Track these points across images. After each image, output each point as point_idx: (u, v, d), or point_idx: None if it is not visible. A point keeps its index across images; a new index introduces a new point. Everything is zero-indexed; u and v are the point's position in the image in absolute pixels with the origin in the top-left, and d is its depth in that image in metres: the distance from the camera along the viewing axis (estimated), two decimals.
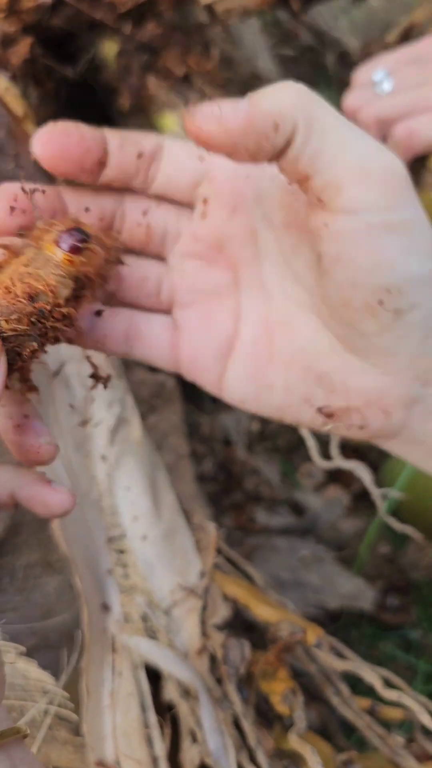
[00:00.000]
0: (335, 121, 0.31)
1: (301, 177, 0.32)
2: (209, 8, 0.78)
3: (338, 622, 0.70)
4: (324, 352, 0.35)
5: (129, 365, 0.66)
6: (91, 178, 0.37)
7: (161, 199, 0.38)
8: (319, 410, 0.35)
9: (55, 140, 0.36)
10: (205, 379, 0.38)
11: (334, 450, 0.60)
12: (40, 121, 0.72)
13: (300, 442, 0.90)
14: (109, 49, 0.77)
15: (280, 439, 0.87)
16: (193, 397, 0.84)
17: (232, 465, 0.85)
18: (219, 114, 0.30)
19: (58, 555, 0.56)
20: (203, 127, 0.30)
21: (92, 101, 0.85)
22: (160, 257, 0.39)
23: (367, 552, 0.72)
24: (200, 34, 0.77)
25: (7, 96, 0.66)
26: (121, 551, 0.50)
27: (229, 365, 0.37)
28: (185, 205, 0.38)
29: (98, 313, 0.37)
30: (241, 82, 0.90)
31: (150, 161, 0.36)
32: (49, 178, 0.64)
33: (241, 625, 0.51)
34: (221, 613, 0.48)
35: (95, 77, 0.80)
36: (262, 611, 0.48)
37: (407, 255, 0.32)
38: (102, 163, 0.36)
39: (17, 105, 0.66)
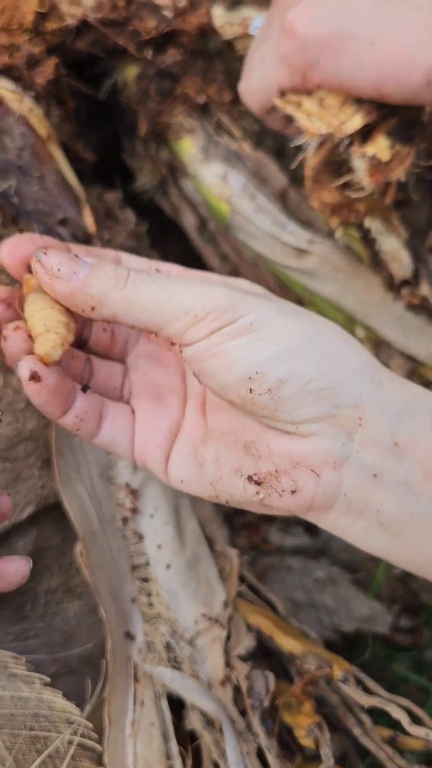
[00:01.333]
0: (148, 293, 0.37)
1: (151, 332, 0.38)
2: (229, 43, 0.79)
3: (351, 643, 0.70)
4: (248, 425, 0.39)
5: None
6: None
7: None
8: (249, 478, 0.37)
9: (20, 248, 0.42)
10: (155, 461, 0.42)
11: None
12: (61, 141, 0.72)
13: None
14: (129, 72, 0.77)
15: None
16: None
17: None
18: (56, 273, 0.36)
19: (79, 580, 0.56)
20: (42, 277, 0.37)
21: (109, 120, 0.85)
22: (122, 360, 0.45)
23: (383, 575, 0.72)
24: (221, 63, 0.77)
25: (31, 117, 0.66)
26: (145, 579, 0.50)
27: (173, 448, 0.41)
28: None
29: (84, 389, 0.42)
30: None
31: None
32: (75, 200, 0.64)
33: (263, 650, 0.51)
34: (245, 643, 0.48)
35: (115, 98, 0.80)
36: (287, 642, 0.48)
37: (252, 346, 0.36)
38: None
39: (41, 126, 0.67)
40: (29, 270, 0.39)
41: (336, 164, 0.72)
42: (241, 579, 0.53)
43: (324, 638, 0.68)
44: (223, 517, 0.80)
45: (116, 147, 0.86)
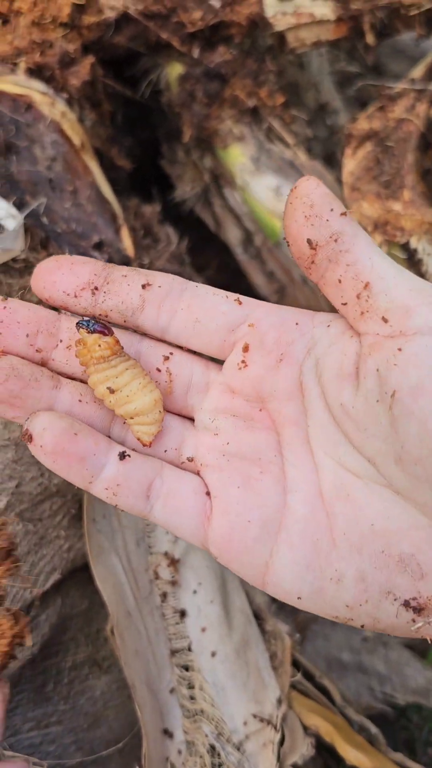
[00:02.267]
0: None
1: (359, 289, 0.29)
2: (281, 36, 0.71)
3: (407, 717, 0.63)
4: (403, 528, 0.29)
5: None
6: (81, 307, 0.32)
7: (182, 348, 0.33)
8: (406, 604, 0.28)
9: (51, 272, 0.32)
10: (245, 563, 0.31)
11: None
12: (95, 147, 0.65)
13: None
14: (172, 71, 0.70)
15: None
16: None
17: None
18: None
19: (107, 651, 0.49)
20: None
21: (146, 123, 0.78)
22: (181, 413, 0.33)
23: None
24: (272, 62, 0.70)
25: (64, 123, 0.59)
26: (186, 668, 0.44)
27: (277, 549, 0.30)
28: (212, 353, 0.33)
29: (122, 456, 0.31)
30: (308, 113, 0.83)
31: (163, 296, 0.32)
32: (112, 218, 0.57)
33: (321, 755, 0.44)
34: (302, 750, 0.41)
35: (154, 99, 0.73)
36: (352, 755, 0.41)
37: None
38: (96, 288, 0.32)
39: (75, 133, 0.60)
40: (87, 328, 0.30)
41: (381, 169, 0.65)
42: (294, 664, 0.46)
43: (374, 710, 0.61)
44: None
45: (153, 152, 0.79)
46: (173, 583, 0.46)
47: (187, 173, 0.75)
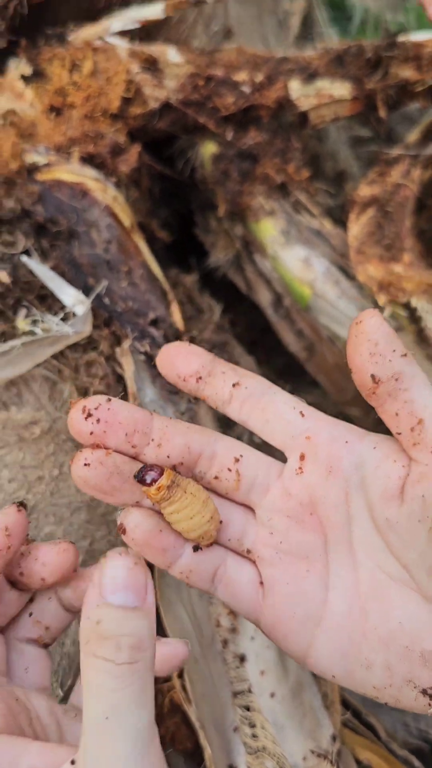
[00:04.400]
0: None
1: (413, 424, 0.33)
2: (303, 114, 0.78)
3: None
4: (427, 628, 0.34)
5: None
6: (187, 388, 0.38)
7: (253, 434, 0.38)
8: (424, 692, 0.33)
9: (171, 356, 0.38)
10: (290, 644, 0.36)
11: None
12: (138, 221, 0.71)
13: None
14: (206, 150, 0.76)
15: None
16: None
17: None
18: None
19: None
20: None
21: (181, 196, 0.85)
22: (243, 504, 0.38)
23: None
24: (297, 139, 0.76)
25: (115, 206, 0.66)
26: (247, 708, 0.48)
27: (318, 636, 0.36)
28: (275, 448, 0.38)
29: (195, 549, 0.37)
30: (327, 182, 0.90)
31: (247, 396, 0.37)
32: (162, 294, 0.63)
33: None
34: None
35: (189, 174, 0.79)
36: None
37: None
38: (200, 378, 0.37)
39: (125, 215, 0.66)
40: (141, 481, 0.35)
41: (382, 233, 0.71)
42: (343, 704, 0.51)
43: (411, 746, 0.65)
44: None
45: (188, 222, 0.85)
46: (233, 630, 0.51)
47: (220, 241, 0.81)
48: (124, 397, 0.54)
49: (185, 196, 0.84)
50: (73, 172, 0.65)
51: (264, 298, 0.80)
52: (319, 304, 0.71)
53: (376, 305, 0.68)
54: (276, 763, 0.47)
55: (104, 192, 0.65)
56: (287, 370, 0.95)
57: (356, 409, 0.83)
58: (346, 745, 0.48)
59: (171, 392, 0.56)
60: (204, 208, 0.82)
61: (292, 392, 0.90)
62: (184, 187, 0.83)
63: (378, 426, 0.83)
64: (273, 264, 0.75)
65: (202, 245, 0.84)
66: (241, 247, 0.80)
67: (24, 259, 0.54)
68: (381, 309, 0.65)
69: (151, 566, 0.51)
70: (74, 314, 0.53)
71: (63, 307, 0.55)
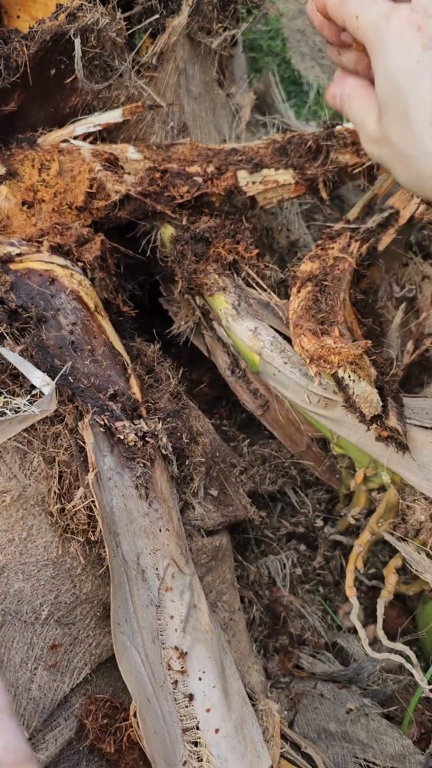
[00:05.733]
0: None
1: None
2: (252, 198, 0.87)
3: None
4: None
5: (191, 534, 0.71)
6: None
7: None
8: None
9: None
10: None
11: (380, 632, 0.64)
12: (102, 298, 0.79)
13: (339, 580, 0.94)
14: (165, 231, 0.85)
15: (321, 584, 0.91)
16: (238, 547, 0.89)
17: (277, 606, 0.89)
18: None
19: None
20: None
21: (144, 268, 0.93)
22: None
23: (413, 711, 0.75)
24: (247, 221, 0.85)
25: (80, 290, 0.74)
26: (195, 743, 0.54)
27: None
28: None
29: None
30: (282, 250, 0.99)
31: None
32: (123, 368, 0.71)
33: None
34: None
35: (152, 253, 0.88)
36: None
37: None
38: None
39: (89, 298, 0.74)
40: None
41: (318, 307, 0.78)
42: (283, 737, 0.57)
43: None
44: (259, 644, 0.84)
45: (152, 291, 0.94)
46: (182, 672, 0.57)
47: (182, 310, 0.89)
48: (84, 464, 0.61)
49: (149, 270, 0.93)
50: (42, 260, 0.73)
51: (222, 361, 0.88)
52: (268, 369, 0.79)
53: None
54: None
55: (71, 278, 0.73)
56: (248, 423, 1.03)
57: (309, 459, 0.90)
58: None
59: (128, 458, 0.64)
60: (167, 280, 0.91)
61: (250, 444, 0.97)
62: (148, 262, 0.91)
63: (332, 471, 0.90)
64: (227, 333, 0.83)
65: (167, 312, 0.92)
66: (201, 316, 0.88)
67: None
68: (312, 378, 0.72)
69: (109, 614, 0.57)
70: (41, 393, 0.61)
71: (32, 386, 0.63)
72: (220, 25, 0.90)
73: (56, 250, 0.75)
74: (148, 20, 0.88)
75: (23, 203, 0.78)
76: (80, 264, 0.77)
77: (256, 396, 0.87)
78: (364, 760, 0.72)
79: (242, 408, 0.98)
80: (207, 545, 0.72)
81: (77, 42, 0.71)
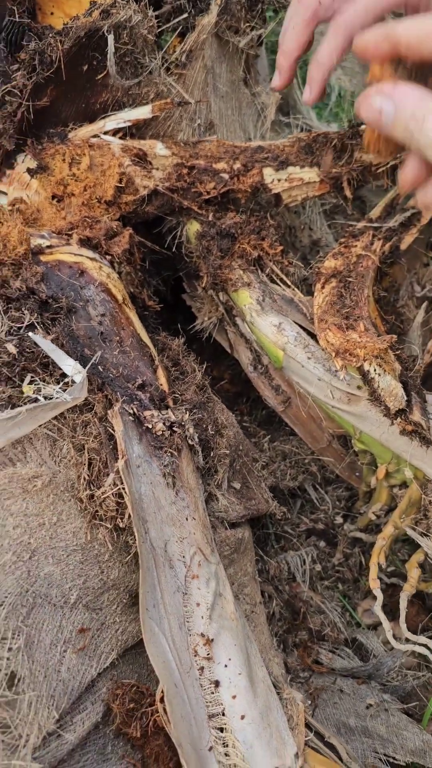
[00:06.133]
0: None
1: None
2: (277, 195, 0.88)
3: None
4: None
5: (215, 526, 0.71)
6: None
7: None
8: None
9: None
10: None
11: (403, 625, 0.65)
12: (129, 292, 0.80)
13: (359, 577, 0.94)
14: (191, 227, 0.86)
15: (340, 581, 0.92)
16: (259, 542, 0.89)
17: (296, 602, 0.89)
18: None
19: None
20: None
21: (169, 264, 0.94)
22: None
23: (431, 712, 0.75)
24: (272, 218, 0.86)
25: (109, 283, 0.75)
26: (221, 729, 0.55)
27: None
28: None
29: None
30: (304, 249, 0.99)
31: None
32: (150, 359, 0.72)
33: None
34: None
35: (177, 249, 0.89)
36: None
37: None
38: None
39: (118, 290, 0.75)
40: None
41: (342, 302, 0.79)
42: (307, 726, 0.57)
43: None
44: (278, 639, 0.84)
45: (177, 287, 0.95)
46: (208, 658, 0.57)
47: (206, 306, 0.90)
48: (113, 452, 0.62)
49: (174, 266, 0.94)
50: (72, 252, 0.74)
51: (245, 356, 0.89)
52: (292, 364, 0.80)
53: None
54: None
55: (99, 270, 0.74)
56: (269, 420, 1.03)
57: (330, 456, 0.91)
58: (308, 763, 0.55)
59: (156, 447, 0.64)
60: (190, 277, 0.91)
61: (271, 440, 0.97)
62: (173, 258, 0.92)
63: (351, 469, 0.91)
64: (251, 328, 0.83)
65: (191, 308, 0.93)
66: (224, 312, 0.89)
67: (30, 334, 0.63)
68: (336, 373, 0.73)
69: (135, 601, 0.58)
70: (72, 381, 0.62)
71: (64, 374, 0.64)
72: (247, 24, 0.91)
73: (85, 243, 0.76)
74: (177, 19, 0.89)
75: (53, 197, 0.79)
76: (108, 257, 0.78)
77: (278, 392, 0.88)
78: (384, 755, 0.72)
79: (263, 405, 0.99)
80: (230, 537, 0.73)
81: (110, 38, 0.72)
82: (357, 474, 0.92)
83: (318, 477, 0.95)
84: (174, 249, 0.89)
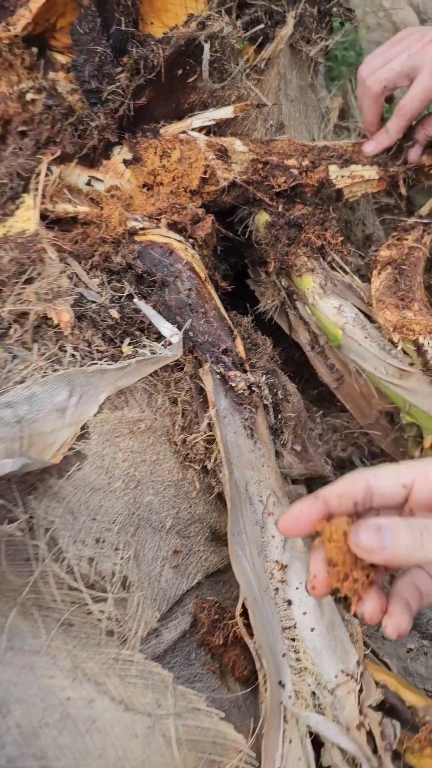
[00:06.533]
0: None
1: None
2: (339, 190, 0.97)
3: None
4: None
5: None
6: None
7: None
8: None
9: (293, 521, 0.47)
10: None
11: None
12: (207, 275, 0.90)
13: None
14: (261, 218, 0.96)
15: None
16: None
17: None
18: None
19: None
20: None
21: (235, 252, 1.04)
22: None
23: None
24: (334, 211, 0.96)
25: (194, 262, 0.85)
26: (293, 639, 0.64)
27: None
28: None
29: None
30: (357, 243, 1.09)
31: (366, 502, 0.46)
32: (230, 330, 0.81)
33: (385, 703, 0.64)
34: (375, 696, 0.61)
35: (247, 237, 0.99)
36: (410, 697, 0.61)
37: None
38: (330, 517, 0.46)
39: (200, 269, 0.85)
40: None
41: (398, 287, 0.88)
42: (365, 644, 0.67)
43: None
44: None
45: (239, 274, 1.04)
46: (282, 581, 0.67)
47: (268, 291, 1.00)
48: (203, 404, 0.72)
49: (240, 253, 1.03)
50: (162, 235, 0.85)
51: (303, 337, 0.98)
52: (349, 343, 0.89)
53: (392, 344, 0.86)
54: (314, 679, 0.63)
55: (185, 251, 0.84)
56: (319, 398, 1.12)
57: (377, 431, 1.00)
58: (367, 670, 0.64)
59: (238, 403, 0.74)
60: (255, 263, 1.01)
61: (323, 416, 1.06)
62: (239, 246, 1.02)
63: (396, 445, 1.00)
64: (312, 310, 0.93)
65: (253, 293, 1.03)
66: (286, 296, 0.98)
67: (135, 300, 0.73)
68: (395, 345, 0.83)
69: (216, 536, 0.68)
70: (170, 342, 0.72)
71: (158, 337, 0.74)
72: (317, 35, 1.00)
73: (172, 227, 0.86)
74: (254, 29, 0.99)
75: (143, 185, 0.89)
76: (191, 240, 0.87)
77: (333, 370, 0.97)
78: (424, 689, 0.81)
79: (314, 384, 1.08)
80: (292, 491, 0.82)
81: (206, 47, 0.82)
82: (401, 449, 1.01)
83: (365, 450, 1.04)
84: (244, 237, 0.99)
